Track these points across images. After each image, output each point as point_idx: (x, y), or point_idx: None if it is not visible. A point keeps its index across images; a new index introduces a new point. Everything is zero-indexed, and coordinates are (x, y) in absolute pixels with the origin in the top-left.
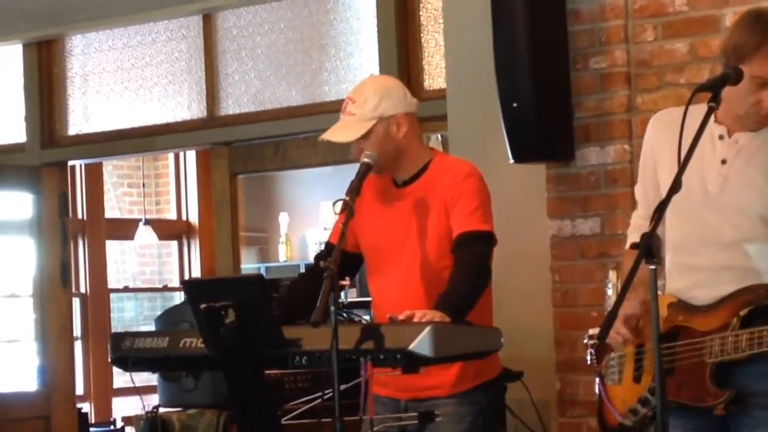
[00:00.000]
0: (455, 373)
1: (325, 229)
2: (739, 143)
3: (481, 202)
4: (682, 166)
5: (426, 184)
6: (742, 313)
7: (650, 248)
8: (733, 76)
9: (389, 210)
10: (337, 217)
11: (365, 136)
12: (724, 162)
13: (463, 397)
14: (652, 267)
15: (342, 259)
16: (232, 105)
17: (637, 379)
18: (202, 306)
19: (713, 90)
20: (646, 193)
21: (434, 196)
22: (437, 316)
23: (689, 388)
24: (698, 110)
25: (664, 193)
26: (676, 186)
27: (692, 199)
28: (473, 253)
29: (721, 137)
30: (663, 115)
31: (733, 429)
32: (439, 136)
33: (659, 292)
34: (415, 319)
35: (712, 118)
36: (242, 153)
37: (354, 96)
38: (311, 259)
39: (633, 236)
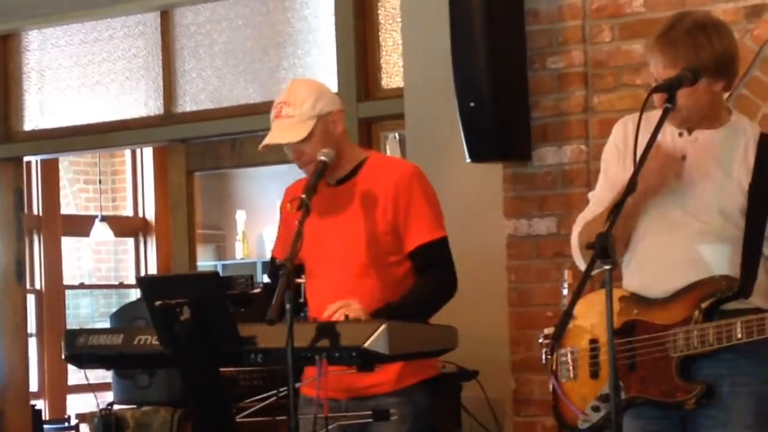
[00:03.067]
0: (397, 370)
1: None
2: (699, 140)
3: (433, 207)
4: (637, 167)
5: (365, 181)
6: (704, 305)
7: (605, 248)
8: (689, 78)
9: (324, 211)
10: (276, 228)
11: (306, 139)
12: (683, 158)
13: (406, 396)
14: (608, 267)
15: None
16: (189, 102)
17: (594, 375)
18: (157, 303)
19: (669, 91)
20: (612, 193)
21: (376, 193)
22: (352, 310)
23: (656, 384)
24: (655, 115)
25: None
26: (631, 186)
27: (655, 195)
28: (439, 273)
29: (680, 134)
30: (628, 119)
31: (691, 429)
32: (396, 135)
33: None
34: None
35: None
36: (199, 150)
37: (287, 99)
38: (268, 257)
39: (577, 230)
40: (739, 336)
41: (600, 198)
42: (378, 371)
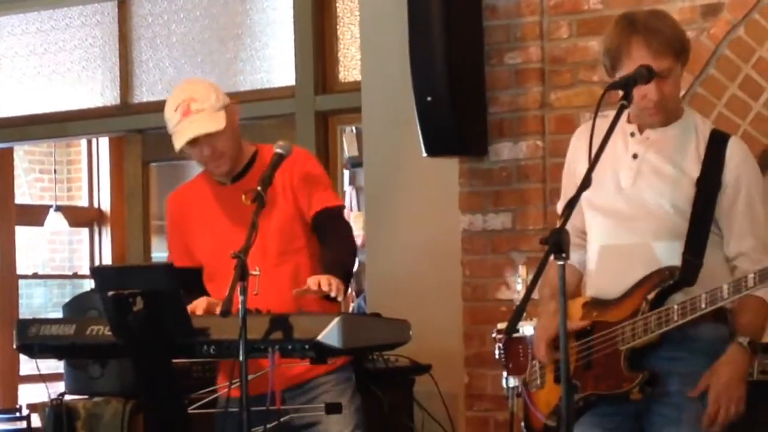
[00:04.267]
0: None
1: None
2: (650, 139)
3: (328, 181)
4: (593, 162)
5: (261, 172)
6: (650, 296)
7: (559, 244)
8: (645, 75)
9: (218, 211)
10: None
11: (219, 132)
12: (635, 156)
13: (339, 373)
14: (561, 263)
15: (183, 278)
16: (145, 92)
17: (558, 379)
18: (111, 293)
19: (625, 88)
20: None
21: (276, 184)
22: (332, 280)
23: (606, 379)
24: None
25: (586, 204)
26: (586, 182)
27: (606, 194)
28: (344, 226)
29: (632, 134)
30: (583, 128)
31: (646, 427)
32: (353, 128)
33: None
34: (323, 286)
35: (625, 117)
36: (155, 141)
37: (191, 96)
38: None
39: None
40: (676, 318)
41: (559, 205)
42: None
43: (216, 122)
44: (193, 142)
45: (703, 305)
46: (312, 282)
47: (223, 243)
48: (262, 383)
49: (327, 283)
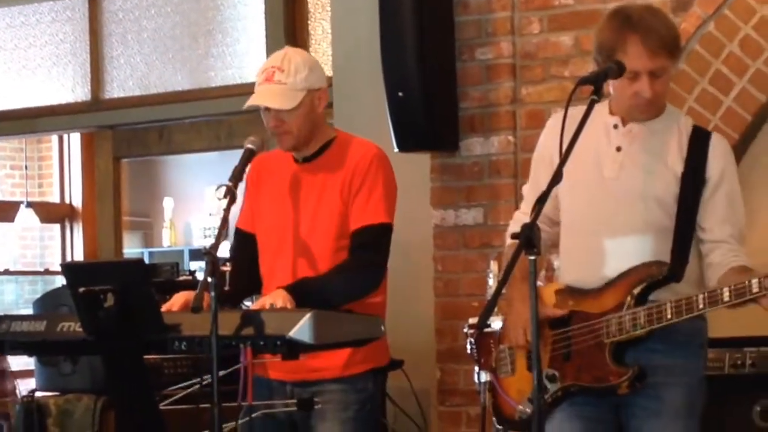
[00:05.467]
0: (345, 357)
1: (210, 214)
2: (633, 132)
3: (386, 192)
4: (564, 157)
5: (329, 161)
6: (636, 291)
7: (530, 239)
8: (615, 69)
9: (285, 188)
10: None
11: (292, 109)
12: (619, 149)
13: (351, 383)
14: (532, 258)
15: (246, 243)
16: (116, 88)
17: (531, 367)
18: (81, 290)
19: (595, 83)
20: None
21: (337, 175)
22: (280, 299)
23: (590, 371)
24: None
25: (560, 191)
26: (557, 177)
27: (589, 186)
28: (366, 256)
29: (615, 126)
30: (559, 116)
31: (624, 419)
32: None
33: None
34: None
35: (607, 109)
36: (126, 137)
37: (281, 65)
38: (195, 245)
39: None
40: (669, 316)
41: (530, 201)
42: (325, 355)
43: (287, 100)
44: (266, 110)
45: (701, 306)
46: (257, 305)
47: (278, 219)
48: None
49: (260, 305)
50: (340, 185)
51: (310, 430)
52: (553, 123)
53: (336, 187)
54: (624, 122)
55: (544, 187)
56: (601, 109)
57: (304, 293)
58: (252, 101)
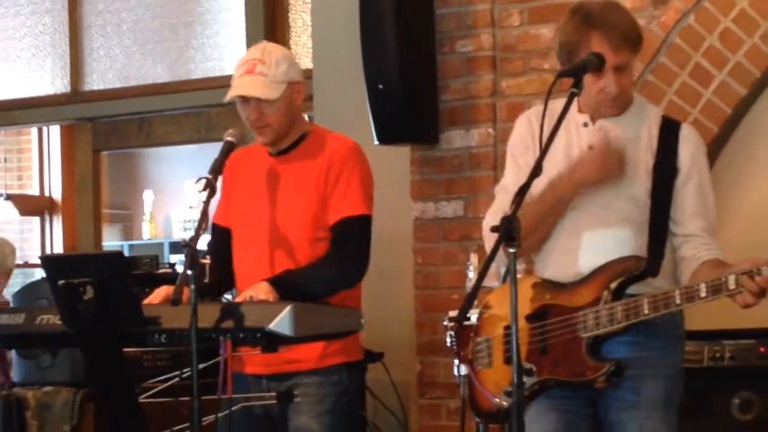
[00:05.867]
0: (320, 348)
1: (190, 207)
2: (603, 129)
3: (363, 184)
4: (544, 150)
5: (305, 154)
6: (613, 285)
7: (510, 231)
8: (595, 62)
9: (261, 181)
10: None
11: (273, 101)
12: (591, 148)
13: (326, 376)
14: (512, 250)
15: (223, 238)
16: (96, 80)
17: (508, 360)
18: (61, 282)
19: (575, 76)
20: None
21: (313, 167)
22: (267, 293)
23: (567, 365)
24: (560, 104)
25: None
26: (537, 170)
27: None
28: (350, 246)
29: (585, 124)
30: (532, 114)
31: (601, 411)
32: (305, 116)
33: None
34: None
35: (576, 107)
36: (106, 129)
37: (262, 58)
38: (175, 237)
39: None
40: (646, 311)
41: (511, 187)
42: (300, 347)
43: (270, 91)
44: (246, 102)
45: (678, 301)
46: (240, 299)
47: (246, 214)
48: (250, 362)
49: (248, 298)
50: (316, 177)
51: (287, 423)
52: (528, 117)
53: (312, 178)
54: (593, 120)
55: (524, 170)
56: (570, 107)
57: (287, 286)
58: (235, 92)
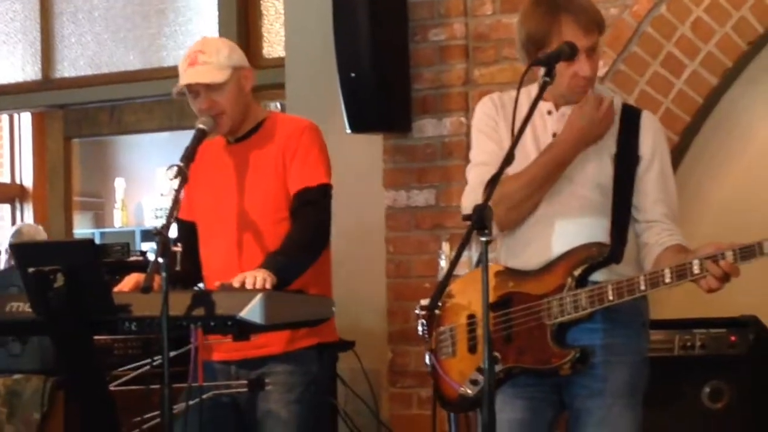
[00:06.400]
0: (288, 332)
1: (162, 195)
2: (566, 116)
3: (321, 156)
4: (516, 138)
5: (261, 138)
6: (577, 272)
7: (483, 220)
8: (567, 52)
9: (221, 170)
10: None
11: (221, 87)
12: (555, 135)
13: (296, 364)
14: (484, 239)
15: (187, 233)
16: (67, 68)
17: (472, 349)
18: (31, 270)
19: (548, 65)
20: (497, 145)
21: (270, 149)
22: (265, 276)
23: (532, 353)
24: (523, 94)
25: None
26: (509, 158)
27: None
28: (311, 214)
29: (549, 112)
30: (496, 97)
31: (567, 398)
32: (278, 104)
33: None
34: (247, 285)
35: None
36: (77, 117)
37: (202, 48)
38: (147, 225)
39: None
40: (611, 297)
41: (489, 154)
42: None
43: (215, 76)
44: (195, 93)
45: (642, 287)
46: (236, 281)
47: (217, 202)
48: (219, 349)
49: (252, 282)
50: (274, 157)
51: (255, 412)
52: (489, 103)
53: (270, 160)
54: (557, 107)
55: (495, 140)
56: (532, 94)
57: (278, 269)
58: (181, 82)
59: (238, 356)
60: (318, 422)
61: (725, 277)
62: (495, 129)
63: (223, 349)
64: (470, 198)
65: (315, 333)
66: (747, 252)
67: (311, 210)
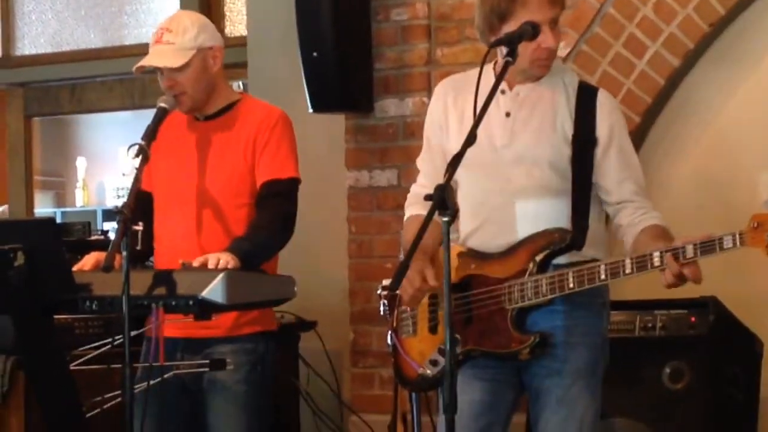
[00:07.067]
0: (232, 316)
1: (123, 174)
2: (520, 95)
3: (289, 149)
4: (478, 118)
5: (232, 121)
6: (539, 258)
7: (444, 199)
8: (530, 31)
9: (185, 146)
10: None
11: (182, 68)
12: (508, 115)
13: (240, 344)
14: (446, 219)
15: (144, 202)
16: (28, 45)
17: (433, 329)
18: None
19: (510, 45)
20: (434, 163)
21: (240, 134)
22: (229, 259)
23: (492, 336)
24: (474, 75)
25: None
26: (471, 138)
27: (482, 154)
28: (279, 204)
29: (503, 92)
30: (448, 82)
31: (527, 379)
32: (240, 84)
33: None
34: (210, 265)
35: (491, 74)
36: (38, 95)
37: (170, 26)
38: (109, 205)
39: (412, 209)
40: (572, 285)
41: (426, 172)
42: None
43: (174, 59)
44: (159, 71)
45: (603, 276)
46: (197, 261)
47: (178, 177)
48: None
49: (214, 263)
50: (244, 144)
51: (202, 392)
52: (440, 92)
53: (239, 145)
54: (511, 87)
55: (437, 153)
56: (488, 74)
57: (243, 254)
58: (141, 62)
59: (182, 334)
60: (265, 403)
61: (680, 276)
62: (439, 135)
63: (171, 326)
64: (408, 210)
65: (258, 321)
66: (707, 247)
67: (280, 201)
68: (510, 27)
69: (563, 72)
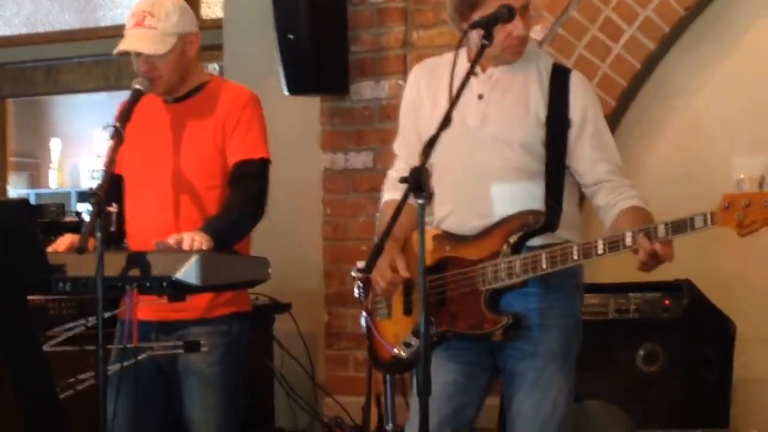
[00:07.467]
0: (207, 298)
1: (98, 156)
2: (493, 78)
3: (260, 129)
4: (453, 101)
5: (202, 103)
6: (512, 239)
7: (419, 182)
8: (506, 14)
9: (154, 127)
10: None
11: (161, 56)
12: (480, 97)
13: (215, 326)
14: (421, 201)
15: (113, 184)
16: (2, 26)
17: (407, 311)
18: None
19: (486, 28)
20: (409, 147)
21: (210, 115)
22: (203, 240)
23: (465, 318)
24: (451, 57)
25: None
26: (446, 121)
27: (454, 136)
28: (251, 184)
29: (475, 74)
30: (422, 66)
31: (500, 361)
32: (216, 66)
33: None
34: (184, 246)
35: (465, 58)
36: (12, 76)
37: (152, 10)
38: (83, 187)
39: (389, 194)
40: (545, 266)
41: (403, 156)
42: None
43: (159, 45)
44: (137, 55)
45: (575, 257)
46: (172, 240)
47: (148, 159)
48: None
49: (189, 243)
50: (213, 125)
51: (176, 373)
52: (414, 76)
53: (209, 127)
54: (483, 69)
55: (412, 137)
56: (461, 58)
57: (217, 233)
58: (123, 46)
59: (155, 317)
60: (240, 384)
61: (654, 255)
62: (414, 119)
63: (141, 308)
64: (384, 195)
65: (233, 302)
66: (678, 226)
67: (251, 181)
68: (480, 15)
69: (538, 56)
